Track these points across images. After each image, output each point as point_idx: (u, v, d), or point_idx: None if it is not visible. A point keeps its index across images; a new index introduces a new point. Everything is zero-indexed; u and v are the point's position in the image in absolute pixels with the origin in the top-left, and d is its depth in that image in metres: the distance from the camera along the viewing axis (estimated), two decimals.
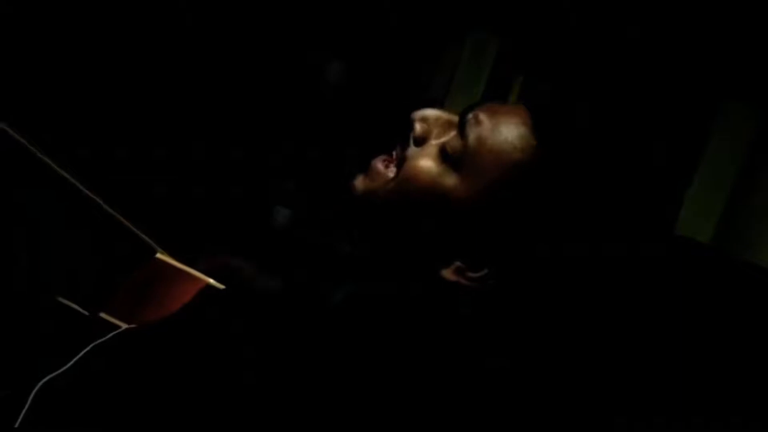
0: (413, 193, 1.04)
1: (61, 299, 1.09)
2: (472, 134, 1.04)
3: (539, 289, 1.02)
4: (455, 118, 1.08)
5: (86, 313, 1.10)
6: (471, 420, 0.97)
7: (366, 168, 1.09)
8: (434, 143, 1.06)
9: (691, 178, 2.27)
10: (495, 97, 2.62)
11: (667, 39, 2.33)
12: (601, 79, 2.37)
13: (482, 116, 1.05)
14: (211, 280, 1.14)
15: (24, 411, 0.95)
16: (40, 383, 0.96)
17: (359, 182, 1.08)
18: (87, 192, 1.10)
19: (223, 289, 1.12)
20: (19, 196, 1.11)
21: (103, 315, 1.11)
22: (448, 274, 1.03)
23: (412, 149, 1.07)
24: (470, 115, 1.05)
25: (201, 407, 0.92)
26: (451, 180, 1.03)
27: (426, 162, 1.05)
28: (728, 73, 2.31)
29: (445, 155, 1.04)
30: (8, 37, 2.25)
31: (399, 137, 1.10)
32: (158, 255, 1.16)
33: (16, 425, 0.95)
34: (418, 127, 1.07)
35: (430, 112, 1.09)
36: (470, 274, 1.02)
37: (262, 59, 2.67)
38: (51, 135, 1.13)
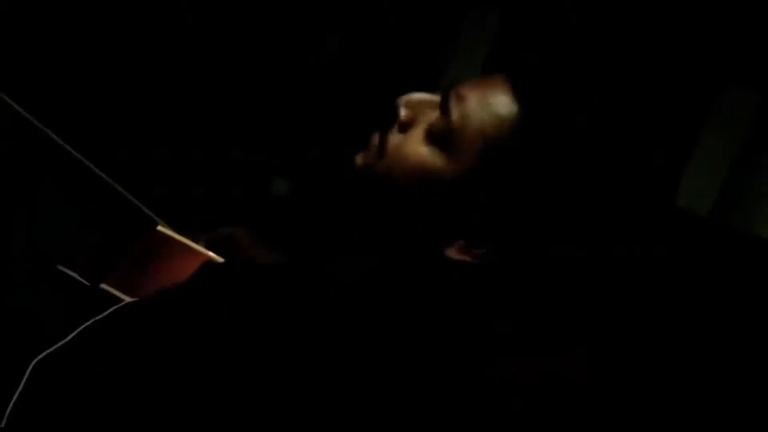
0: (404, 178, 1.04)
1: (61, 267, 1.08)
2: (455, 112, 1.03)
3: (536, 271, 1.02)
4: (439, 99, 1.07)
5: (86, 283, 1.10)
6: (469, 417, 0.96)
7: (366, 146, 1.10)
8: (420, 127, 1.06)
9: (690, 157, 2.27)
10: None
11: (665, 19, 2.33)
12: (598, 59, 2.36)
13: (463, 92, 1.04)
14: (212, 254, 1.13)
15: (20, 388, 0.94)
16: (36, 360, 0.95)
17: (359, 157, 1.09)
18: (86, 162, 1.10)
19: (223, 263, 1.12)
20: (16, 166, 1.11)
21: (103, 286, 1.10)
22: (453, 253, 1.02)
23: (397, 136, 1.07)
24: (452, 93, 1.05)
25: (199, 383, 0.91)
26: (439, 160, 1.03)
27: (413, 146, 1.05)
28: (727, 55, 2.31)
29: (431, 136, 1.04)
30: (8, 37, 2.25)
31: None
32: (159, 227, 1.15)
33: (12, 403, 0.94)
34: (403, 112, 1.07)
35: (415, 96, 1.08)
36: (476, 252, 1.01)
37: (262, 59, 2.67)
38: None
